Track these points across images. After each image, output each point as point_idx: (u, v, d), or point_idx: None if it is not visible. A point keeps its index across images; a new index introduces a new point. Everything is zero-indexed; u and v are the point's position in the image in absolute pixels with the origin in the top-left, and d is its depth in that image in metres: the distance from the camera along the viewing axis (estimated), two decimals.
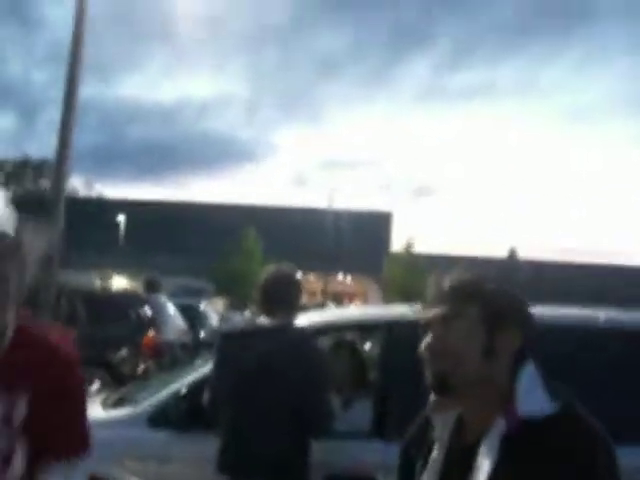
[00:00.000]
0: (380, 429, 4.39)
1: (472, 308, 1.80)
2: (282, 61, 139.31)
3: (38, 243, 2.23)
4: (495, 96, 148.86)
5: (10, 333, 2.15)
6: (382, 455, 4.22)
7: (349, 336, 5.24)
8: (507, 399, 1.75)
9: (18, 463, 2.11)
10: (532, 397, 1.73)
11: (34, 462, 2.17)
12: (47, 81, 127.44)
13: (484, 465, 1.70)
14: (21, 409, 2.10)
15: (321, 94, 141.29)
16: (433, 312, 1.85)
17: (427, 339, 1.84)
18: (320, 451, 4.16)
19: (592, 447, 1.65)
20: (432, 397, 1.88)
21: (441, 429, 1.90)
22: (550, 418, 1.69)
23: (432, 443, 1.92)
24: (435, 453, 1.90)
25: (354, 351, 5.05)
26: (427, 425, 1.98)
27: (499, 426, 1.73)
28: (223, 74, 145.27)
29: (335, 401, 5.03)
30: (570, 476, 1.62)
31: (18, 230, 2.12)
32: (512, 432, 1.71)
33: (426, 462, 1.92)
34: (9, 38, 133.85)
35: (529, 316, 1.85)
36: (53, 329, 2.33)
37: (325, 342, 4.92)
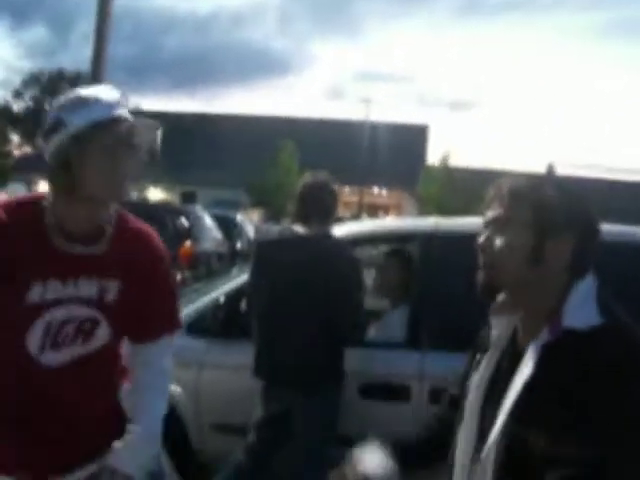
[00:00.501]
0: (416, 339, 4.42)
1: (524, 212, 1.77)
2: None
3: (147, 136, 2.27)
4: (533, 11, 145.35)
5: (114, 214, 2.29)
6: (417, 365, 4.28)
7: (402, 245, 5.21)
8: (556, 310, 1.73)
9: (101, 337, 2.27)
10: (580, 310, 1.70)
11: (127, 339, 2.38)
12: None
13: (524, 371, 1.70)
14: (112, 293, 2.25)
15: (358, 6, 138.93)
16: (487, 214, 1.85)
17: (481, 239, 1.85)
18: (356, 360, 4.22)
19: (637, 362, 1.61)
20: (497, 300, 1.88)
21: (497, 331, 1.90)
22: (595, 329, 1.66)
23: (489, 344, 1.93)
24: (489, 354, 1.91)
25: (405, 260, 5.02)
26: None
27: (543, 335, 1.71)
28: None
29: (385, 306, 5.07)
30: (609, 388, 1.58)
31: (133, 119, 2.16)
32: (553, 340, 1.69)
33: (481, 359, 1.94)
34: None
35: (589, 227, 1.80)
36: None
37: (360, 253, 4.91)
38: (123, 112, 2.11)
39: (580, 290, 1.74)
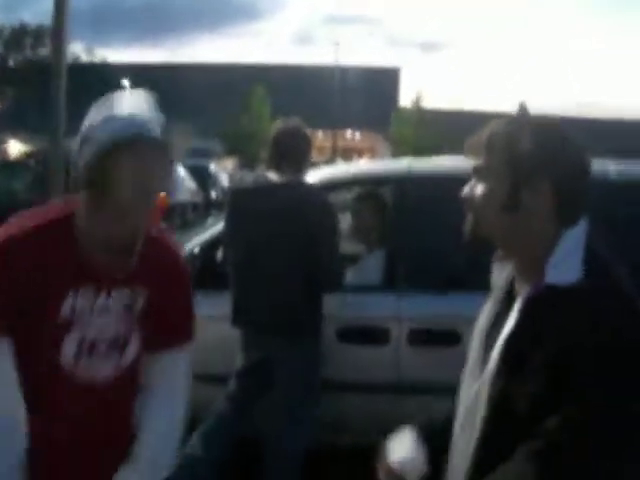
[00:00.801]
0: (391, 281, 4.43)
1: (498, 159, 1.72)
2: None
3: (179, 142, 2.32)
4: None
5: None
6: (395, 307, 4.29)
7: (375, 188, 5.19)
8: (544, 261, 1.69)
9: (133, 349, 2.28)
10: (564, 264, 1.66)
11: (145, 350, 2.33)
12: None
13: (509, 323, 1.69)
14: (140, 302, 2.26)
15: None
16: (469, 162, 1.81)
17: (465, 189, 1.81)
18: (333, 304, 4.22)
19: (611, 327, 1.56)
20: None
21: (498, 277, 1.89)
22: (573, 287, 1.62)
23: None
24: (491, 299, 1.90)
25: (378, 202, 5.01)
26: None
27: (529, 288, 1.70)
28: None
29: (361, 251, 5.07)
30: (585, 349, 1.54)
31: (164, 131, 2.14)
32: (535, 295, 1.67)
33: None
34: None
35: (571, 172, 1.71)
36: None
37: (335, 198, 4.89)
38: (153, 126, 2.09)
39: (568, 240, 1.70)
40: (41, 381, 2.17)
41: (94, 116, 2.10)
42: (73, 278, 2.14)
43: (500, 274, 1.89)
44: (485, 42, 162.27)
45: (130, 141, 2.04)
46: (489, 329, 1.85)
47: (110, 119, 2.07)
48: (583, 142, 1.74)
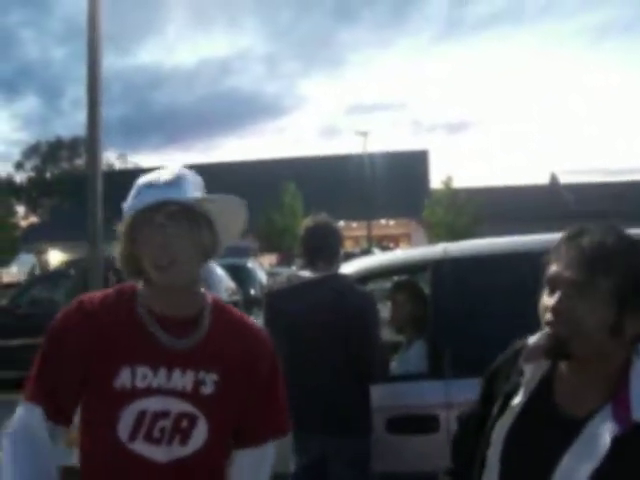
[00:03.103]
0: (437, 368, 4.37)
1: (608, 281, 1.63)
2: (297, 11, 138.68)
3: (230, 215, 2.26)
4: (517, 23, 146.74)
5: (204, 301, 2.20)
6: (442, 393, 4.22)
7: (411, 277, 5.18)
8: (620, 383, 1.65)
9: (199, 436, 2.09)
10: None
11: (227, 442, 2.18)
12: (67, 59, 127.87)
13: (591, 457, 1.60)
14: (210, 385, 2.11)
15: (340, 41, 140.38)
16: (564, 274, 1.68)
17: (554, 299, 1.68)
18: (381, 394, 4.16)
19: None
20: (529, 342, 1.76)
21: (531, 377, 1.79)
22: None
23: (516, 387, 1.82)
24: (517, 399, 1.79)
25: (415, 291, 5.00)
26: (514, 363, 1.86)
27: (608, 421, 1.62)
28: (239, 30, 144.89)
29: (401, 340, 5.03)
30: None
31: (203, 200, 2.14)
32: (622, 434, 1.59)
33: (505, 404, 1.82)
34: (23, 22, 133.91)
35: None
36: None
37: (373, 287, 4.88)
38: (168, 195, 2.05)
39: None
40: (98, 456, 2.07)
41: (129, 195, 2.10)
42: (131, 351, 2.06)
43: (534, 373, 1.79)
44: (510, 118, 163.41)
45: (144, 210, 2.02)
46: (513, 432, 1.77)
47: (135, 192, 2.08)
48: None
